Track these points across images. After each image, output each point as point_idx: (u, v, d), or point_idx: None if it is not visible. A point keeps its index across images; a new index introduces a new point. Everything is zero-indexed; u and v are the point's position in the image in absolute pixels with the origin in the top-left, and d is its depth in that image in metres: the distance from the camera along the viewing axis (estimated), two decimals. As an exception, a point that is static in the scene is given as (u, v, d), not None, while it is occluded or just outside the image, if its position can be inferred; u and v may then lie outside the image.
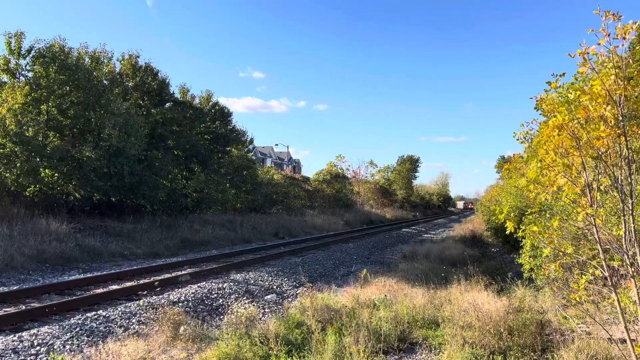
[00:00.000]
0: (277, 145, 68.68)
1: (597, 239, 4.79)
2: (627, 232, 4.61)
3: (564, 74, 4.96)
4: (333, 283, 13.17)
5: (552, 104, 4.87)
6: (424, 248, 19.40)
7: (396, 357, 6.71)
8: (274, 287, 12.40)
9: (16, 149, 16.61)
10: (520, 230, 5.92)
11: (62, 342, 7.01)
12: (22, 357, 6.45)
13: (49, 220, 15.71)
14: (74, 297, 9.39)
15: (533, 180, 5.16)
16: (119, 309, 8.72)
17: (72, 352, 6.72)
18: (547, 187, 5.06)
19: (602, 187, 5.06)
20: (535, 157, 5.10)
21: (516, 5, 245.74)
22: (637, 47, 6.53)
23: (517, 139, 5.27)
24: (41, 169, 17.35)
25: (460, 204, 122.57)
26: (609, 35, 4.37)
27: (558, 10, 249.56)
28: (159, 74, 24.69)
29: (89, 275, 11.92)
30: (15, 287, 10.29)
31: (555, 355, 6.08)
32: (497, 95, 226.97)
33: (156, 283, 10.93)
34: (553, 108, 4.83)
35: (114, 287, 10.74)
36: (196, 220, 23.54)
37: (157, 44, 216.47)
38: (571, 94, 4.73)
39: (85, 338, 7.30)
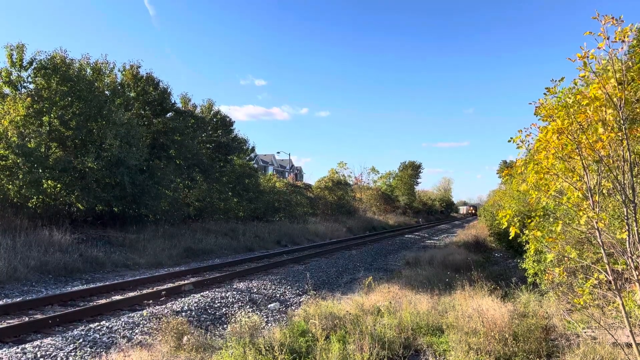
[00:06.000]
0: (278, 153, 68.76)
1: (601, 243, 4.77)
2: (631, 235, 4.59)
3: (562, 78, 4.98)
4: (336, 291, 13.13)
5: (551, 109, 4.87)
6: (427, 254, 19.34)
7: (401, 364, 6.67)
8: (277, 295, 12.36)
9: (18, 161, 16.66)
10: (524, 235, 5.90)
11: (65, 353, 6.99)
12: (26, 369, 6.43)
13: (52, 231, 15.72)
14: (77, 308, 9.38)
15: (533, 184, 5.15)
16: (122, 319, 8.70)
17: (76, 364, 6.70)
18: (546, 191, 5.05)
19: (604, 191, 5.05)
20: (532, 162, 5.10)
21: (517, 13, 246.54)
22: (637, 49, 6.54)
23: (516, 145, 5.26)
24: (43, 180, 17.38)
25: (463, 209, 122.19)
26: (608, 38, 4.37)
27: (558, 17, 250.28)
28: (160, 84, 24.79)
29: (92, 286, 11.90)
30: (18, 299, 10.27)
31: (561, 361, 6.04)
32: (499, 101, 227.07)
33: (163, 292, 10.92)
34: (552, 113, 4.83)
35: (117, 297, 10.73)
36: (199, 229, 23.52)
37: (158, 53, 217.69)
38: (570, 98, 4.74)
39: (89, 349, 7.28)
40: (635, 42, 4.51)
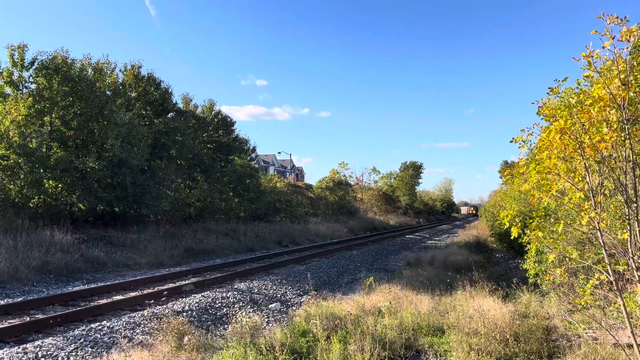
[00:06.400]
0: (279, 153, 68.77)
1: (602, 243, 4.77)
2: (632, 236, 4.58)
3: (566, 78, 4.97)
4: (337, 291, 13.13)
5: (553, 109, 4.86)
6: (428, 254, 19.33)
7: (402, 364, 6.66)
8: (278, 295, 12.36)
9: (20, 161, 16.68)
10: (526, 236, 5.89)
11: (66, 353, 6.99)
12: (27, 369, 6.43)
13: (53, 231, 15.73)
14: (78, 308, 9.38)
15: (535, 184, 5.14)
16: (123, 319, 8.70)
17: (77, 364, 6.70)
18: (547, 191, 5.05)
19: (606, 191, 5.04)
20: (534, 162, 5.09)
21: (517, 16, 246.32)
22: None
23: (519, 145, 5.25)
24: (45, 180, 17.39)
25: (464, 210, 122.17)
26: (613, 38, 4.36)
27: (558, 19, 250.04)
28: (162, 84, 24.81)
29: (93, 286, 11.91)
30: (19, 299, 10.28)
31: (562, 361, 6.03)
32: (500, 101, 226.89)
33: (164, 292, 10.93)
34: (555, 113, 4.82)
35: (118, 297, 10.73)
36: (200, 230, 23.53)
37: (159, 54, 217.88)
38: (573, 98, 4.73)
39: (90, 349, 7.28)
40: (638, 42, 4.48)
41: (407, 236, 37.18)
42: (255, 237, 25.33)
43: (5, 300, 10.07)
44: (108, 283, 12.20)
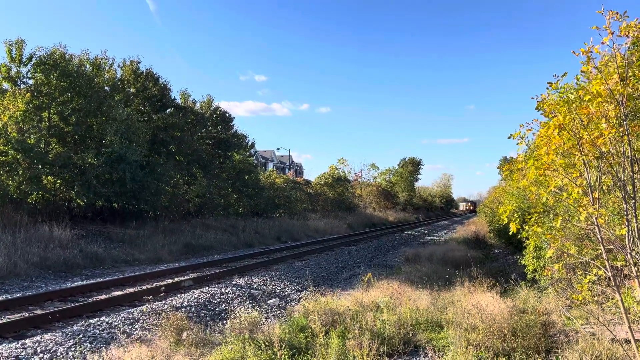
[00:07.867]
0: (278, 149, 68.78)
1: (600, 239, 4.77)
2: (630, 231, 4.59)
3: (565, 74, 4.97)
4: (336, 287, 13.16)
5: (553, 104, 4.86)
6: (427, 250, 19.36)
7: (400, 360, 6.69)
8: (277, 291, 12.38)
9: (18, 157, 16.65)
10: (524, 231, 5.90)
11: (65, 349, 7.00)
12: (26, 365, 6.44)
13: (52, 227, 15.72)
14: (76, 304, 9.38)
15: (533, 180, 5.15)
16: (122, 315, 8.71)
17: (75, 359, 6.71)
18: (546, 187, 5.05)
19: (604, 187, 5.05)
20: (532, 158, 5.09)
21: (518, 12, 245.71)
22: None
23: (517, 141, 5.24)
24: (43, 176, 17.37)
25: (462, 206, 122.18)
26: (612, 33, 4.36)
27: (558, 17, 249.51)
28: (160, 80, 24.74)
29: (91, 281, 11.92)
30: (18, 294, 10.28)
31: (560, 357, 6.05)
32: (500, 98, 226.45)
33: (163, 288, 10.93)
34: (554, 108, 4.82)
35: (117, 293, 10.74)
36: (198, 225, 23.53)
37: (158, 49, 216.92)
38: (572, 94, 4.73)
39: (89, 345, 7.29)
40: (637, 37, 4.48)
41: (406, 232, 37.23)
42: (254, 233, 25.36)
43: (4, 296, 10.08)
44: (107, 279, 12.21)
